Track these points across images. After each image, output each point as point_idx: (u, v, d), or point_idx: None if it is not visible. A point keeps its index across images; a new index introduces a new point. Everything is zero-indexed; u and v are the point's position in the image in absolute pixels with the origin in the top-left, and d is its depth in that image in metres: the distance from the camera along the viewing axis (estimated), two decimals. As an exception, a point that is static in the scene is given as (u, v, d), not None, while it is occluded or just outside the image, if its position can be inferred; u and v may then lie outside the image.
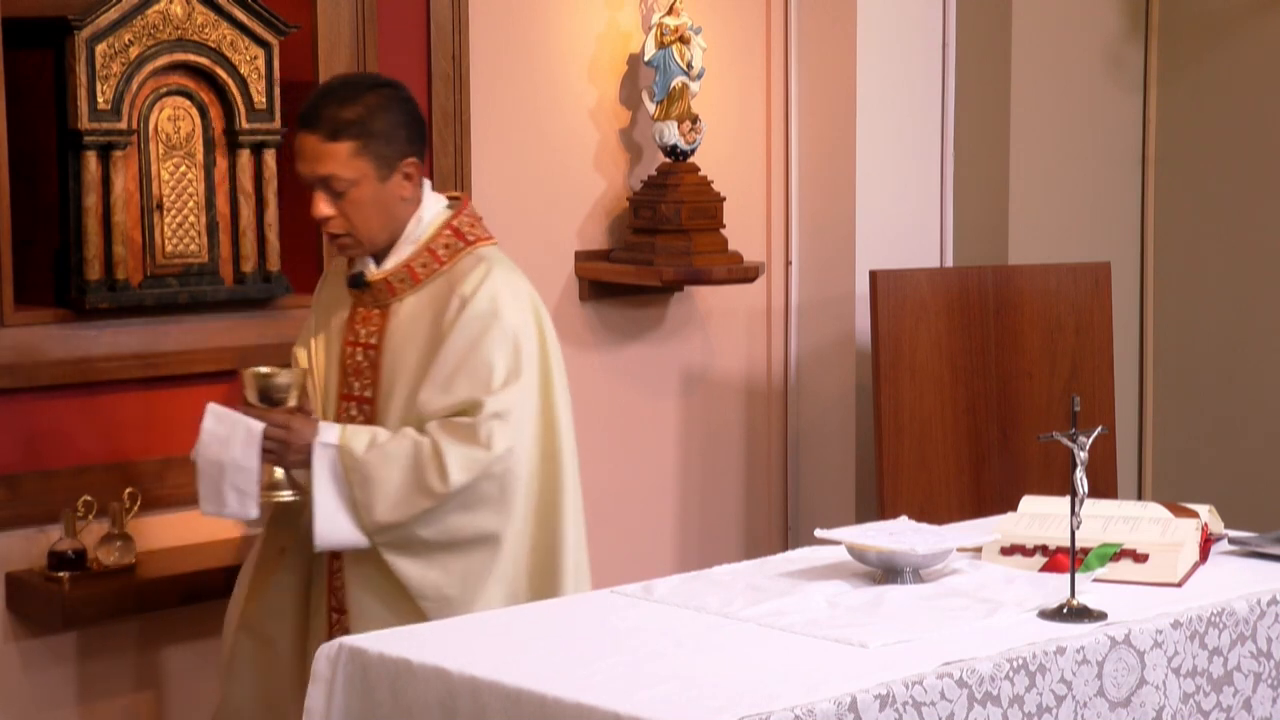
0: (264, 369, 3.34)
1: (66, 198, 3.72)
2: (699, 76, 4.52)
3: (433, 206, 3.36)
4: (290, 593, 3.42)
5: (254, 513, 3.25)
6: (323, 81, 3.38)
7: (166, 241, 3.83)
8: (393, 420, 3.27)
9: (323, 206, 3.26)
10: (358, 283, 3.35)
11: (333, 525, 3.20)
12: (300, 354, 3.49)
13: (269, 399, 3.27)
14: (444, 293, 3.29)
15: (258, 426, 3.20)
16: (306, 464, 3.21)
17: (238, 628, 3.46)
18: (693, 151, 4.55)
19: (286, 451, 3.21)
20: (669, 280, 4.50)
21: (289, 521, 3.38)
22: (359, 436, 3.22)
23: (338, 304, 3.43)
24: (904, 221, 4.96)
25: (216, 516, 3.33)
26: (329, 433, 3.22)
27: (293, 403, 3.28)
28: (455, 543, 3.19)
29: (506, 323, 3.24)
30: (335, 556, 3.33)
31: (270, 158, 3.93)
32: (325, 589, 3.37)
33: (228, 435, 3.21)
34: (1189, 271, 5.50)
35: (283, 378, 3.29)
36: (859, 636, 2.48)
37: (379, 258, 3.34)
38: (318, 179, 3.25)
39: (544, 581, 3.24)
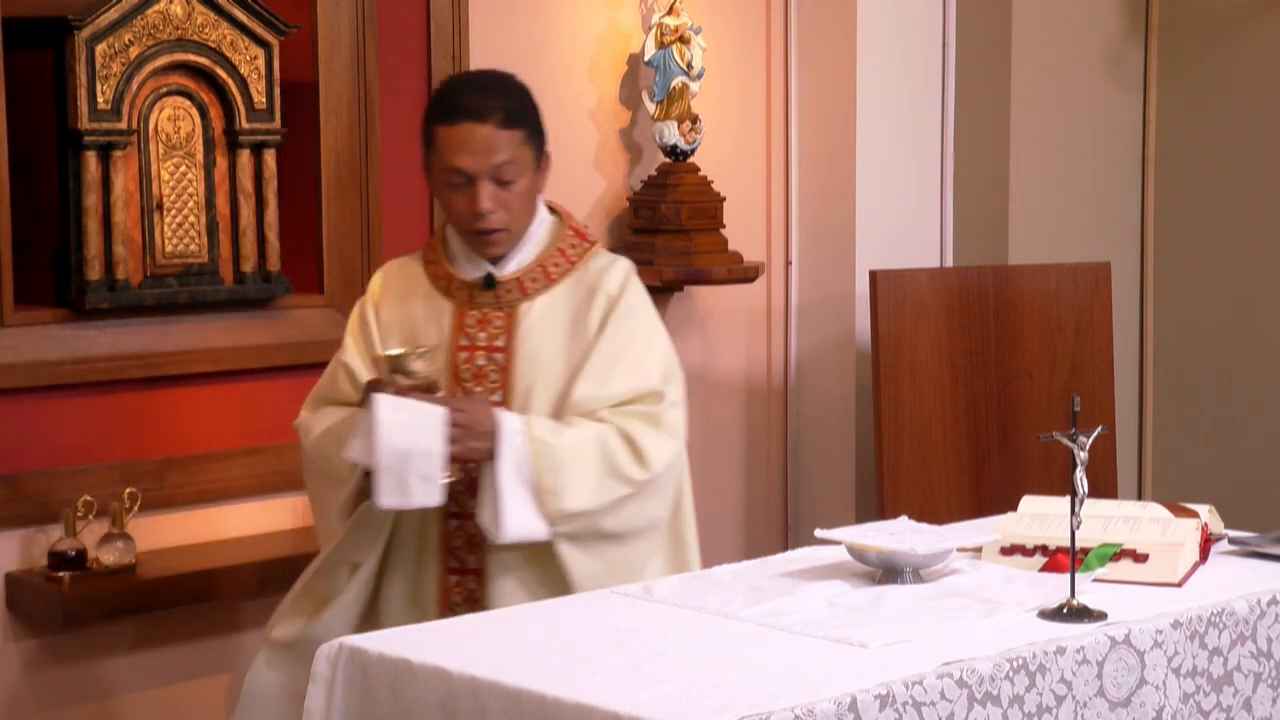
0: (395, 350, 3.13)
1: (66, 198, 3.72)
2: (699, 76, 4.52)
3: (541, 206, 3.30)
4: (353, 611, 3.24)
5: (438, 499, 3.03)
6: (450, 78, 3.26)
7: (166, 241, 3.83)
8: None
9: (487, 200, 3.12)
10: (490, 283, 3.21)
11: (518, 514, 3.06)
12: (358, 367, 3.25)
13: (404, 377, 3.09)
14: (581, 291, 3.22)
15: (440, 410, 3.02)
16: (489, 452, 3.06)
17: (286, 647, 3.26)
18: (693, 151, 4.55)
19: (469, 437, 3.04)
20: (669, 280, 4.50)
21: (370, 536, 3.20)
22: (540, 422, 3.10)
23: (418, 309, 3.26)
24: (904, 221, 4.96)
25: (400, 508, 3.09)
26: (511, 418, 3.08)
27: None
28: (627, 533, 3.13)
29: (653, 318, 3.25)
30: (451, 570, 3.20)
31: (270, 158, 3.93)
32: (437, 603, 3.20)
33: (409, 422, 3.00)
34: (1189, 271, 5.50)
35: (417, 362, 3.08)
36: (859, 636, 2.48)
37: (495, 258, 3.22)
38: (490, 168, 3.12)
39: (677, 571, 3.20)
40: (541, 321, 3.20)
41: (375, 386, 3.07)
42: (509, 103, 3.17)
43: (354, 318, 3.33)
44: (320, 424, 3.24)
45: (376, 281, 3.34)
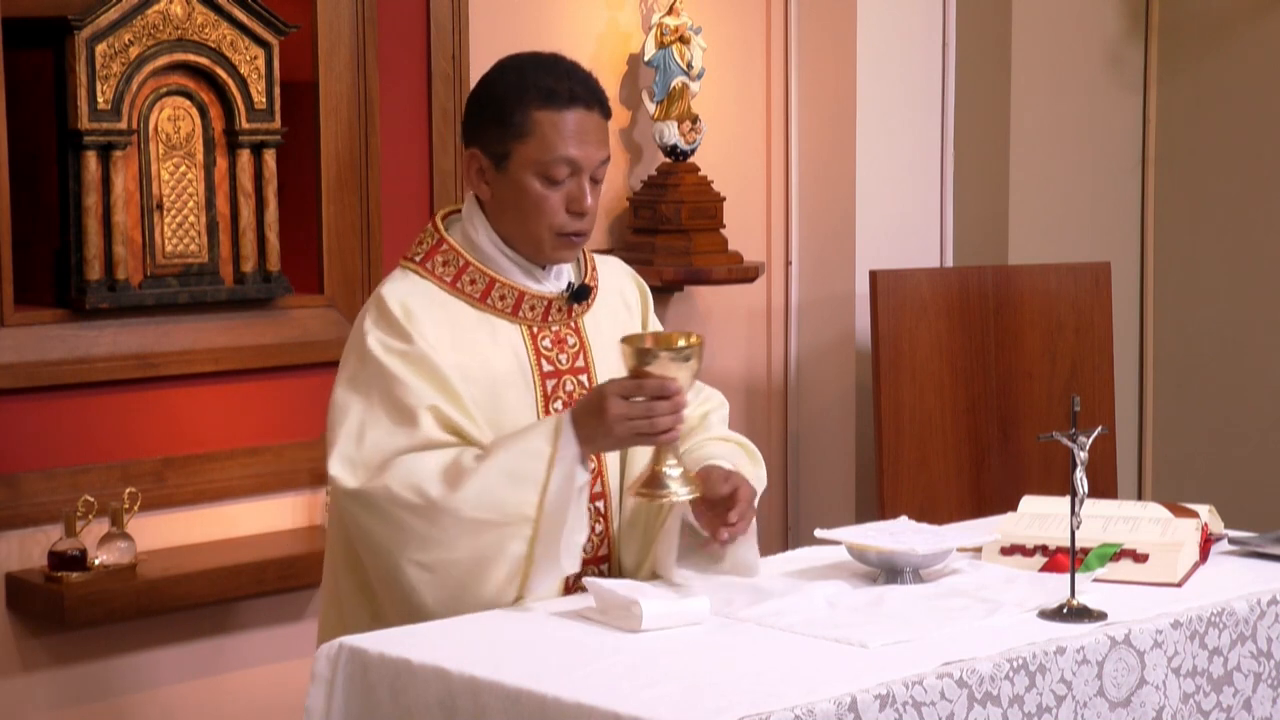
0: (648, 339, 2.71)
1: (66, 198, 3.72)
2: (699, 76, 4.52)
3: None
4: None
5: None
6: (523, 58, 2.90)
7: (166, 241, 3.83)
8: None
9: (591, 197, 2.81)
10: (583, 294, 2.91)
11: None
12: (453, 407, 2.77)
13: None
14: (612, 295, 2.99)
15: (704, 601, 2.63)
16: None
17: None
18: (693, 151, 4.55)
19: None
20: (669, 280, 4.50)
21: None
22: (744, 466, 2.92)
23: (476, 337, 2.84)
24: (904, 221, 4.96)
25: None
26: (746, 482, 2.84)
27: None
28: None
29: None
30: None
31: (270, 158, 3.93)
32: None
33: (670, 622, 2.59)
34: (1189, 271, 5.50)
35: (677, 364, 2.65)
36: (859, 636, 2.48)
37: (543, 269, 2.90)
38: (596, 163, 2.82)
39: None
40: (601, 335, 2.93)
41: (614, 387, 2.68)
42: (603, 93, 2.89)
43: (401, 356, 2.78)
44: (429, 471, 2.71)
45: (396, 307, 2.81)
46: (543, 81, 2.82)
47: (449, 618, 2.70)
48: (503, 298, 2.86)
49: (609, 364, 2.90)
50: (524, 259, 2.88)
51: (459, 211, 2.97)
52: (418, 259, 2.90)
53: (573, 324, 2.92)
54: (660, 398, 2.66)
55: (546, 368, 2.88)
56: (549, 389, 2.87)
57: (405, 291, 2.84)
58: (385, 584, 2.79)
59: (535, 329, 2.88)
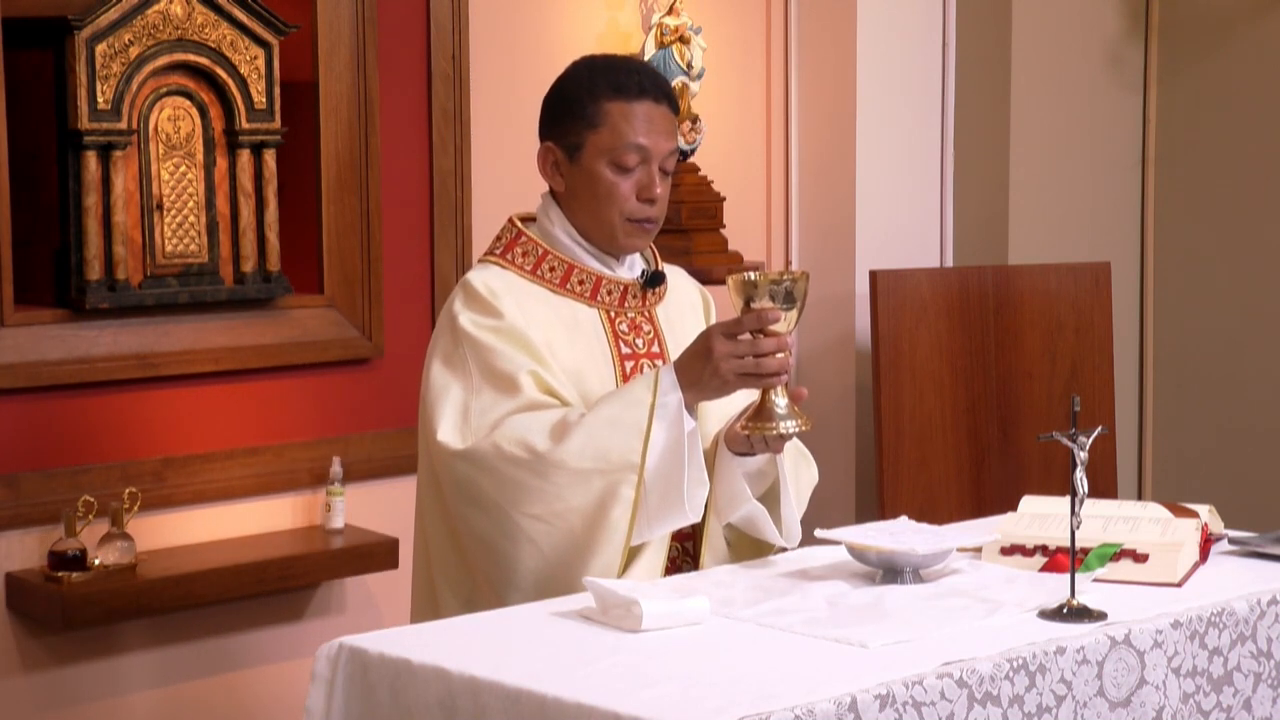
0: (752, 275, 2.71)
1: (66, 198, 3.72)
2: (699, 76, 4.52)
3: None
4: None
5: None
6: (594, 59, 3.03)
7: (166, 241, 3.83)
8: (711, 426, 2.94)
9: (661, 185, 2.93)
10: (656, 280, 3.03)
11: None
12: (553, 375, 2.88)
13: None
14: (678, 295, 3.10)
15: (704, 602, 2.56)
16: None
17: None
18: (693, 151, 4.55)
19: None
20: (669, 280, 4.50)
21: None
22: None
23: (554, 321, 2.93)
24: (904, 221, 4.97)
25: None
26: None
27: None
28: None
29: None
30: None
31: (270, 158, 3.93)
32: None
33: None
34: (1189, 271, 5.51)
35: (782, 308, 2.68)
36: (859, 636, 2.47)
37: (617, 259, 3.01)
38: (664, 153, 2.93)
39: None
40: (673, 330, 3.04)
41: (724, 328, 2.74)
42: (671, 89, 3.00)
43: (493, 331, 2.87)
44: (537, 427, 2.79)
45: (483, 289, 2.91)
46: (613, 75, 2.94)
47: (556, 578, 2.78)
48: (581, 282, 2.97)
49: (676, 347, 2.96)
50: (598, 249, 2.99)
51: (533, 218, 3.04)
52: (497, 252, 2.99)
53: (647, 312, 3.03)
54: (762, 332, 2.70)
55: (625, 350, 2.98)
56: (627, 370, 2.96)
57: (489, 277, 2.93)
58: (492, 548, 2.83)
59: (613, 314, 2.98)
